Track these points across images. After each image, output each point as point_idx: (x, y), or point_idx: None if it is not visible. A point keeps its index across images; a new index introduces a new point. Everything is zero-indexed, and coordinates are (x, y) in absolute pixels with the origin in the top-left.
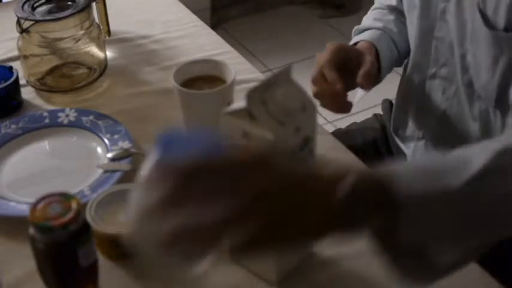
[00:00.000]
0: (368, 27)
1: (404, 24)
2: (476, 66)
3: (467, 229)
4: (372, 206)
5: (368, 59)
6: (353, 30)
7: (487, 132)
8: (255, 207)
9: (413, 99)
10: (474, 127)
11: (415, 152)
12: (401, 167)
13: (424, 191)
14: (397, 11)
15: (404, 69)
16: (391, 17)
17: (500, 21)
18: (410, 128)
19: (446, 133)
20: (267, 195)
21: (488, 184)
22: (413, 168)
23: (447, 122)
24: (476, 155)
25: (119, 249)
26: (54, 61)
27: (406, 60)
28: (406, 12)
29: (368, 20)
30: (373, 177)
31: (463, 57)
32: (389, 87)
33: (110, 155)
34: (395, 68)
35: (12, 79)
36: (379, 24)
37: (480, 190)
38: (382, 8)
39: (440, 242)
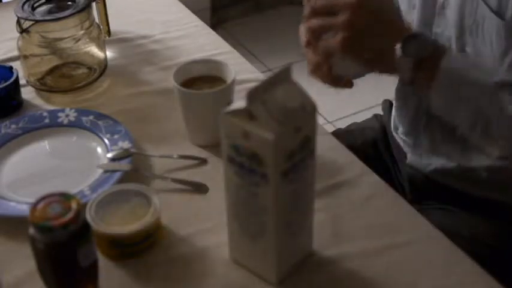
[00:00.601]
0: None
1: None
2: (477, 57)
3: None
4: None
5: None
6: None
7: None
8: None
9: (412, 96)
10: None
11: (415, 150)
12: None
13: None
14: None
15: None
16: None
17: (508, 10)
18: (410, 125)
19: (445, 130)
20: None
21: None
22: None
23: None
24: None
25: (118, 249)
26: (54, 61)
27: None
28: (404, 14)
29: None
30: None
31: (461, 49)
32: (389, 87)
33: (110, 155)
34: None
35: (12, 79)
36: None
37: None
38: None
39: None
